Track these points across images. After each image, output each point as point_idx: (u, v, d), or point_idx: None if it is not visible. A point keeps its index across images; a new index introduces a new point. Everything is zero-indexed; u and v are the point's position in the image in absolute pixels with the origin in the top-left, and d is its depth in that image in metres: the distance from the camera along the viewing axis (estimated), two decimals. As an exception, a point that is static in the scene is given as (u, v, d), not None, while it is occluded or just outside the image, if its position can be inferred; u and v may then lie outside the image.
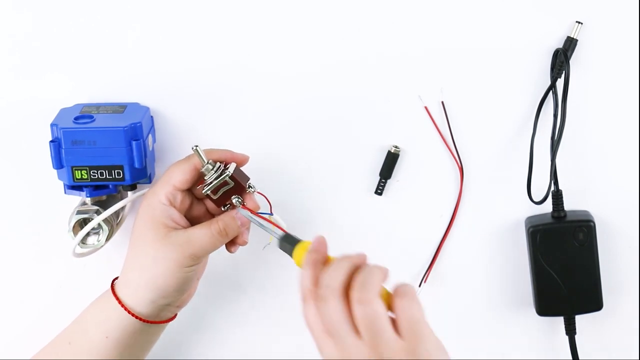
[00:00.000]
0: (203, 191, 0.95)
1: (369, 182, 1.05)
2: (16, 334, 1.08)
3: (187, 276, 0.95)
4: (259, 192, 0.96)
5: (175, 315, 1.00)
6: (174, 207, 0.96)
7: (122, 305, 0.96)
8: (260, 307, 1.08)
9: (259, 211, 0.96)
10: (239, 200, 0.95)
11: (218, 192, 0.95)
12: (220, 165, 0.95)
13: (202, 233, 0.95)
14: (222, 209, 0.96)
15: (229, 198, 0.95)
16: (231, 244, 0.98)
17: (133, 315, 0.96)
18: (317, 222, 1.05)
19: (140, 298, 0.96)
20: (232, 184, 0.94)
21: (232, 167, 0.95)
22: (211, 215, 0.99)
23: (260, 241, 1.00)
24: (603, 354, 1.09)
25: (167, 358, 1.08)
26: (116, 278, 0.99)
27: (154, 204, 0.95)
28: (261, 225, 0.95)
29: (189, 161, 0.96)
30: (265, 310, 1.08)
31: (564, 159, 1.03)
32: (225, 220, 0.95)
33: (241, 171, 0.96)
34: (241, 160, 0.97)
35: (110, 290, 0.97)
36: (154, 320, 0.97)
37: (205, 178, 0.95)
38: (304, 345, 1.05)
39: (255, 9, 1.00)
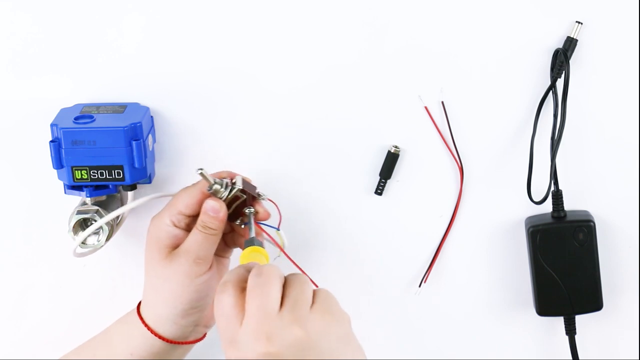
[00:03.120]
0: None
1: (369, 182, 1.05)
2: (16, 334, 1.08)
3: (199, 289, 0.95)
4: (269, 200, 0.97)
5: (205, 335, 0.99)
6: (179, 228, 0.95)
7: (146, 326, 0.96)
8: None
9: (265, 222, 0.96)
10: (252, 211, 0.95)
11: (230, 208, 0.95)
12: (227, 181, 0.94)
13: (191, 237, 0.94)
14: (237, 223, 0.96)
15: (241, 211, 0.95)
16: None
17: (157, 335, 0.96)
18: (317, 222, 1.05)
19: (161, 319, 0.96)
20: (243, 197, 0.94)
21: (239, 180, 0.95)
22: (223, 241, 0.98)
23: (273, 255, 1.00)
24: (603, 354, 1.09)
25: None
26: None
27: (159, 226, 0.95)
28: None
29: (195, 185, 0.96)
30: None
31: (564, 159, 1.03)
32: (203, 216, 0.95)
33: (247, 182, 0.96)
34: (243, 179, 0.96)
35: (136, 310, 0.97)
36: (179, 341, 0.97)
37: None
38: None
39: (254, 10, 0.99)
